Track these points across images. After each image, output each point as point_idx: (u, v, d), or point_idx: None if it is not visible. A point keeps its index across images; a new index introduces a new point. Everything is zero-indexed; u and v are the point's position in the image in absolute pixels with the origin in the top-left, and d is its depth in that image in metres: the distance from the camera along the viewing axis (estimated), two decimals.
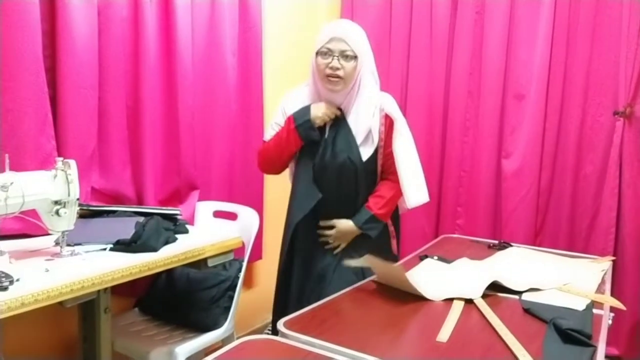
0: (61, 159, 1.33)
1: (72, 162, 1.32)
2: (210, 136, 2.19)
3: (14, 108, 1.52)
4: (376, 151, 1.63)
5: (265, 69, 2.41)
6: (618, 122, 2.30)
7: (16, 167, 1.27)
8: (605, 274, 1.53)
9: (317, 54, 1.58)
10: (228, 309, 1.78)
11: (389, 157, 1.64)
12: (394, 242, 1.75)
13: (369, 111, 1.62)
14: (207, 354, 0.91)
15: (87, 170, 1.73)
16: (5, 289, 1.05)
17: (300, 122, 1.60)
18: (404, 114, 2.80)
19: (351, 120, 1.62)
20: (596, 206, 2.37)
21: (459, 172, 2.69)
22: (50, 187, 1.28)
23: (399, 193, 1.65)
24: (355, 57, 1.57)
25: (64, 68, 1.65)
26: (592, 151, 2.39)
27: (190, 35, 2.01)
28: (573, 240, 2.44)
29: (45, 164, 1.56)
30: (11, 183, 1.17)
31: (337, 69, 1.55)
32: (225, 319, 1.76)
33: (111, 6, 1.76)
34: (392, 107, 1.66)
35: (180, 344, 1.62)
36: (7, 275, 1.07)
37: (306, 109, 1.61)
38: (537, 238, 2.53)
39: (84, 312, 1.54)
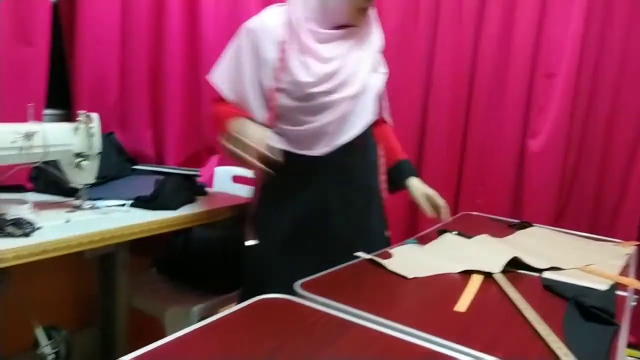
0: (84, 112, 1.32)
1: (95, 116, 1.32)
2: None
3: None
4: None
5: None
6: None
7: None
8: (630, 257, 1.49)
9: None
10: None
11: None
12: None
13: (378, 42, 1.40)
14: None
15: (107, 127, 1.74)
16: (27, 235, 1.06)
17: None
18: (429, 88, 2.73)
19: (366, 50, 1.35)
20: (623, 191, 2.31)
21: (482, 150, 2.64)
22: (72, 139, 1.28)
23: None
24: None
25: (83, 21, 1.64)
26: (622, 134, 2.32)
27: None
28: (596, 224, 2.38)
29: None
30: (34, 132, 1.17)
31: None
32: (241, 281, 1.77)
33: None
34: None
35: (196, 304, 1.64)
36: (30, 223, 1.08)
37: None
38: (559, 220, 2.48)
39: (103, 267, 1.57)
